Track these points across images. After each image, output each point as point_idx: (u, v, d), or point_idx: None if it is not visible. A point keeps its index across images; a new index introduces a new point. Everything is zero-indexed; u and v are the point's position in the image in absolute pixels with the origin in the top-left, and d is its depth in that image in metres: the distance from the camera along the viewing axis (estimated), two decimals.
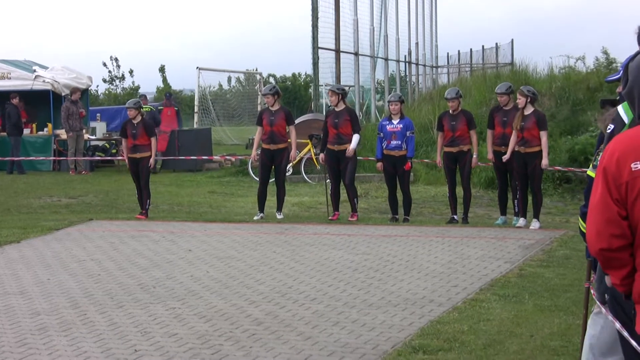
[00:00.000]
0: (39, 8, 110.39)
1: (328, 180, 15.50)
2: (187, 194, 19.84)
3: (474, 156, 14.57)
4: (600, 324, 5.34)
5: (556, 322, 8.00)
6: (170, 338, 7.72)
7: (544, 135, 13.69)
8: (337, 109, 14.96)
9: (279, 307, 8.79)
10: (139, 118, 15.53)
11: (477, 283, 9.84)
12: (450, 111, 14.63)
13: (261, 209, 15.29)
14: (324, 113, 22.49)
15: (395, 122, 14.76)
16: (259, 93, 40.74)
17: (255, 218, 15.21)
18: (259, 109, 38.14)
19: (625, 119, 4.46)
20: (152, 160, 15.54)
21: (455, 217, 14.76)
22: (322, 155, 15.15)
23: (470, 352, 7.19)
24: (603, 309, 4.96)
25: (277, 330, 7.93)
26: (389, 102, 15.32)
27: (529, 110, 13.69)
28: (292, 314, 8.54)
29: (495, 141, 14.30)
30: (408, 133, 14.73)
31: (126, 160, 15.94)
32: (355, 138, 14.88)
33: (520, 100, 13.69)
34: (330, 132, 14.95)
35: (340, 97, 14.99)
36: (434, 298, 9.13)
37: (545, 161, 13.69)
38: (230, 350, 7.35)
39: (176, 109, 30.26)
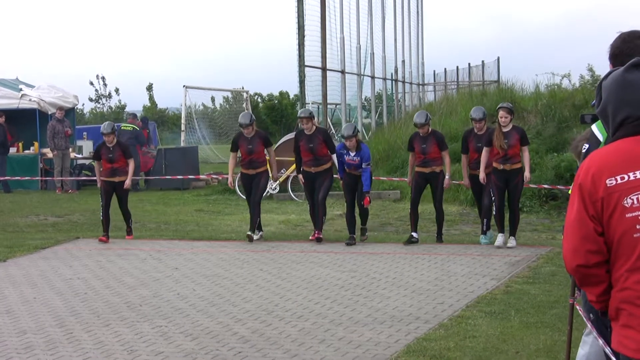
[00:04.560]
0: (26, 27, 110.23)
1: None
2: (174, 212, 19.83)
3: (447, 177, 14.26)
4: (589, 343, 5.36)
5: (542, 339, 8.03)
6: (157, 356, 7.71)
7: (526, 150, 13.62)
8: (308, 133, 14.66)
9: (265, 325, 8.79)
10: (114, 141, 15.29)
11: (463, 300, 9.87)
12: (421, 134, 14.30)
13: (259, 228, 15.21)
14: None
15: (352, 154, 14.24)
16: (246, 111, 40.79)
17: (255, 238, 14.95)
18: None
19: (600, 138, 4.50)
20: (128, 182, 15.16)
21: (414, 234, 14.30)
22: (300, 177, 14.97)
23: None
24: (589, 325, 4.98)
25: (263, 348, 7.93)
26: (343, 137, 14.48)
27: (509, 127, 13.54)
28: (278, 331, 8.54)
29: (470, 165, 14.23)
30: (364, 165, 14.18)
31: (99, 184, 15.60)
32: (335, 161, 14.56)
33: (507, 119, 13.41)
34: (306, 156, 14.68)
35: (312, 121, 14.82)
36: (420, 315, 9.15)
37: (527, 174, 13.62)
38: None
39: (148, 130, 30.21)
